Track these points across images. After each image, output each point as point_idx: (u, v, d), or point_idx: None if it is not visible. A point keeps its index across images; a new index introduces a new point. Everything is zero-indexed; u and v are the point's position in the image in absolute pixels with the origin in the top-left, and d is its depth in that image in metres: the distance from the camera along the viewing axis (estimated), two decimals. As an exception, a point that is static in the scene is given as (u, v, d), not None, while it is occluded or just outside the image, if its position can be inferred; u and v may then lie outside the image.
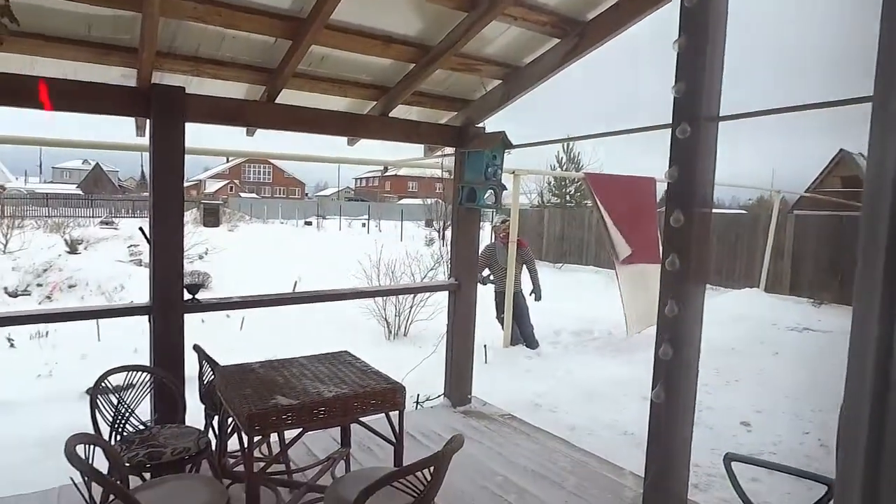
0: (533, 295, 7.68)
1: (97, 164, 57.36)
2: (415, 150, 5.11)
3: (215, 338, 7.20)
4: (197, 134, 3.62)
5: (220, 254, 15.46)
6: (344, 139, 4.34)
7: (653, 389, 2.72)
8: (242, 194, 52.49)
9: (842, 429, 0.68)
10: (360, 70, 3.75)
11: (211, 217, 25.44)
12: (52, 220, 20.37)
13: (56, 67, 3.06)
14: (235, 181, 58.85)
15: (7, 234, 14.82)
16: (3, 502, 3.16)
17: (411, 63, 3.70)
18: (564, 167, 24.31)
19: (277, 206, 39.07)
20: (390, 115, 4.13)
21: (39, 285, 12.00)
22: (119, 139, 5.29)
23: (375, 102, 4.08)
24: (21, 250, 14.02)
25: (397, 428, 2.76)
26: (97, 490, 2.01)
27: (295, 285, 11.82)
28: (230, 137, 4.37)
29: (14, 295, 11.42)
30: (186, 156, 3.43)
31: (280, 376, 2.86)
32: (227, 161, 55.13)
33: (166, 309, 3.39)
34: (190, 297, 3.56)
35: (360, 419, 2.82)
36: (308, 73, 3.59)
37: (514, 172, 7.78)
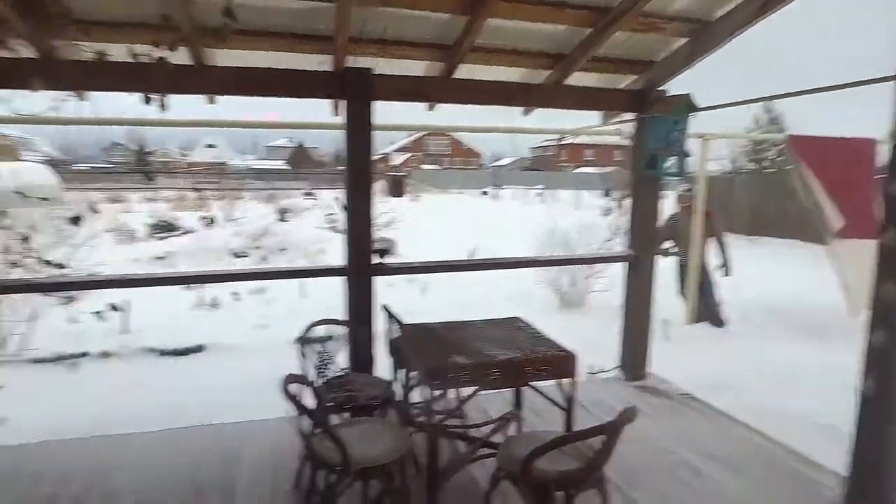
0: (722, 269, 7.10)
1: (301, 142, 64.23)
2: (592, 118, 4.97)
3: (399, 300, 7.81)
4: (385, 111, 3.92)
5: (404, 222, 16.57)
6: (519, 110, 4.38)
7: (863, 381, 2.41)
8: (424, 166, 55.24)
9: None
10: (535, 39, 3.74)
11: (396, 188, 27.30)
12: (266, 192, 23.34)
13: (265, 58, 3.52)
14: (418, 153, 62.15)
15: (231, 204, 17.36)
16: (233, 426, 3.82)
17: (588, 27, 3.59)
18: (763, 129, 21.75)
19: (456, 176, 40.51)
20: (566, 82, 4.06)
21: (257, 248, 13.93)
22: (318, 119, 5.91)
23: (550, 71, 4.04)
24: (242, 218, 16.37)
25: (569, 395, 2.80)
26: (307, 424, 2.36)
27: (473, 253, 12.27)
28: (413, 113, 4.63)
29: (238, 256, 13.42)
30: (375, 132, 3.74)
31: (457, 337, 3.05)
32: (410, 135, 58.30)
33: (359, 271, 3.77)
34: (379, 260, 3.91)
35: (532, 384, 2.91)
36: (484, 45, 3.67)
37: (703, 137, 7.18)
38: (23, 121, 3.33)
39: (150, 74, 3.18)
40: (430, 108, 4.16)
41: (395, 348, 3.44)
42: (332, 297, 5.58)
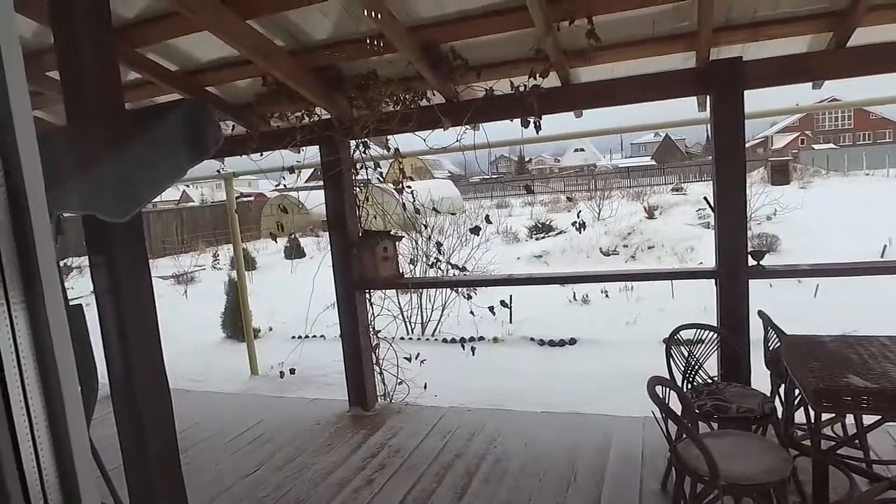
0: None
1: (667, 135, 62.10)
2: None
3: (783, 303, 6.92)
4: (758, 95, 3.58)
5: (790, 213, 14.47)
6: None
7: None
8: (816, 146, 46.78)
9: None
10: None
11: (779, 175, 23.91)
12: (633, 190, 23.41)
13: (626, 67, 3.61)
14: (807, 132, 52.95)
15: (599, 204, 17.98)
16: (604, 418, 4.04)
17: None
18: None
19: (860, 154, 33.13)
20: None
21: (625, 246, 14.13)
22: (682, 114, 5.72)
23: None
24: (610, 217, 16.80)
25: None
26: (672, 427, 2.38)
27: (884, 250, 9.98)
28: (792, 92, 4.07)
29: (607, 254, 13.85)
30: (750, 118, 3.46)
31: (855, 354, 2.60)
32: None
33: (731, 274, 3.54)
34: (755, 262, 3.60)
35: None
36: (887, 2, 3.00)
37: None
38: (435, 151, 4.22)
39: (526, 101, 3.64)
40: (816, 86, 3.62)
41: (775, 360, 3.13)
42: (703, 297, 5.34)
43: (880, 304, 6.65)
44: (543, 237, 15.92)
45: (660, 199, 19.61)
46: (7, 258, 0.39)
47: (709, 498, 2.29)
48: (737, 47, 3.43)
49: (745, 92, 3.43)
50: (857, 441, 2.71)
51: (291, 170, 4.46)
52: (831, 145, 47.05)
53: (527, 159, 66.32)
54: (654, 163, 45.51)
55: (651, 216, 16.58)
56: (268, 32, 3.41)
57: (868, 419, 2.45)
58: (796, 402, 2.97)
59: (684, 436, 2.45)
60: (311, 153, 4.53)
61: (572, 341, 6.66)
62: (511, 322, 7.51)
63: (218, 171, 5.80)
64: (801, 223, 13.45)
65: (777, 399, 3.08)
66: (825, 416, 2.81)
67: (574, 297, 8.99)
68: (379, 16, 2.97)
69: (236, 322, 7.93)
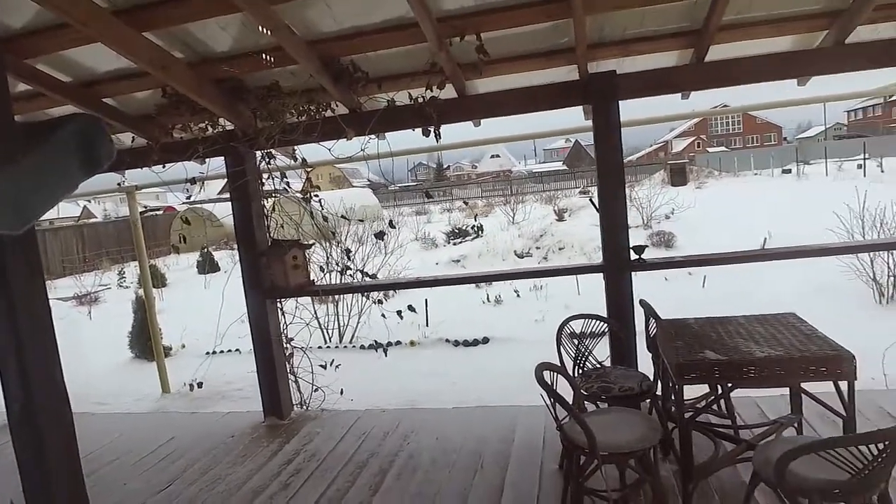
0: None
1: (577, 140, 64.77)
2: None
3: (676, 295, 7.52)
4: (657, 101, 3.95)
5: (686, 212, 15.58)
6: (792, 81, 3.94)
7: None
8: (710, 149, 50.47)
9: None
10: (802, 0, 3.35)
11: (678, 176, 25.58)
12: (546, 194, 24.34)
13: (520, 79, 3.89)
14: (702, 137, 57.05)
15: (514, 208, 18.61)
16: (511, 409, 4.29)
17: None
18: None
19: (749, 156, 36.08)
20: (847, 41, 3.53)
21: (538, 248, 14.71)
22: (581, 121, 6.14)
23: (826, 32, 3.55)
24: (524, 220, 17.42)
25: (846, 399, 2.50)
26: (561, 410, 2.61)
27: (764, 242, 11.00)
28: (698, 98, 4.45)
29: (521, 256, 14.37)
30: (653, 125, 3.80)
31: (714, 332, 2.96)
32: (693, 119, 53.78)
33: (615, 268, 3.89)
34: (636, 257, 3.96)
35: (804, 387, 2.67)
36: (736, 21, 3.44)
37: None
38: (340, 161, 4.34)
39: (425, 111, 3.83)
40: (684, 97, 4.05)
41: (653, 343, 3.47)
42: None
43: (763, 290, 7.40)
44: (461, 242, 16.28)
45: (569, 202, 20.52)
46: None
47: (591, 467, 2.55)
48: (613, 62, 3.79)
49: (643, 100, 3.79)
50: (709, 408, 3.07)
51: (193, 181, 4.43)
52: (723, 148, 50.88)
53: (445, 166, 67.15)
54: (565, 167, 47.43)
55: (561, 218, 17.35)
56: (165, 44, 3.42)
57: (746, 392, 2.79)
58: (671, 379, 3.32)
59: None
60: (217, 164, 4.52)
61: (485, 340, 6.94)
62: (427, 325, 7.71)
63: (119, 184, 5.62)
64: (696, 221, 14.54)
65: (658, 378, 3.43)
66: (702, 392, 3.18)
67: (488, 298, 9.32)
68: (269, 32, 3.07)
69: (145, 341, 7.66)
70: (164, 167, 4.40)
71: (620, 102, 3.80)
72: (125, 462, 4.19)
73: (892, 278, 6.80)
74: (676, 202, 15.87)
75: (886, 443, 1.90)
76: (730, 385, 2.76)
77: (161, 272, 14.83)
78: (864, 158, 23.46)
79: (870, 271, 6.97)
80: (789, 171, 27.81)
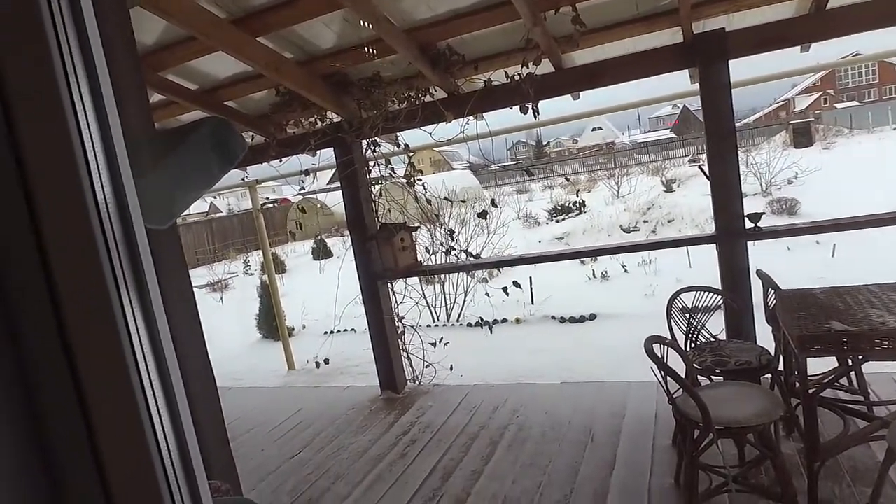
0: None
1: (685, 106, 60.89)
2: None
3: (802, 264, 6.98)
4: (774, 57, 3.70)
5: (811, 176, 14.32)
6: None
7: None
8: (838, 105, 45.51)
9: None
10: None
11: (802, 137, 23.47)
12: (652, 165, 23.24)
13: (620, 47, 3.78)
14: (829, 92, 51.48)
15: (618, 181, 17.98)
16: (621, 384, 4.25)
17: None
18: None
19: (886, 109, 32.20)
20: None
21: (646, 222, 14.16)
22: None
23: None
24: (629, 194, 16.80)
25: None
26: (673, 384, 2.57)
27: (908, 203, 9.86)
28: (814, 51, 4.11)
29: (627, 231, 13.92)
30: (773, 82, 3.57)
31: (841, 303, 2.76)
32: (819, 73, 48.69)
33: (728, 237, 3.71)
34: (752, 225, 3.75)
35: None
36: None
37: None
38: (441, 143, 4.46)
39: (522, 88, 3.84)
40: (804, 49, 3.75)
41: (773, 315, 3.29)
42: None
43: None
44: (563, 219, 16.02)
45: (677, 171, 19.47)
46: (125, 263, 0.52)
47: (705, 442, 2.49)
48: (722, 19, 3.57)
49: (760, 56, 3.57)
50: (835, 382, 2.87)
51: (307, 172, 4.74)
52: (855, 103, 45.62)
53: (545, 143, 65.92)
54: (673, 135, 44.92)
55: (669, 189, 16.54)
56: (277, 47, 3.68)
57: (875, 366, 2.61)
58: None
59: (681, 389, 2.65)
60: (327, 155, 4.81)
61: (592, 317, 6.85)
62: (532, 303, 7.73)
63: (242, 179, 6.12)
64: (823, 184, 13.31)
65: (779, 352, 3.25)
66: (831, 367, 2.99)
67: (593, 274, 9.15)
68: (369, 25, 3.21)
69: (271, 322, 8.32)
70: (280, 161, 4.76)
71: (731, 62, 3.59)
72: (260, 431, 4.63)
73: None
74: (800, 165, 14.60)
75: None
76: (860, 358, 2.57)
77: (281, 259, 15.92)
78: None
79: None
80: (939, 122, 24.50)
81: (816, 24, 3.45)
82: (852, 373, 3.08)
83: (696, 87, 4.28)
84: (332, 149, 4.67)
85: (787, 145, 20.53)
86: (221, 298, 13.50)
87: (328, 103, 4.21)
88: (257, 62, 3.51)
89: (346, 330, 8.04)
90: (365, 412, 4.65)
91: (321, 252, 15.96)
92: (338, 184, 4.93)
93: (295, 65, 3.87)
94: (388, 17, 3.40)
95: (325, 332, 8.03)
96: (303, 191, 5.35)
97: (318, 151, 4.72)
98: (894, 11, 3.31)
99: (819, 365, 2.97)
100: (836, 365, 3.05)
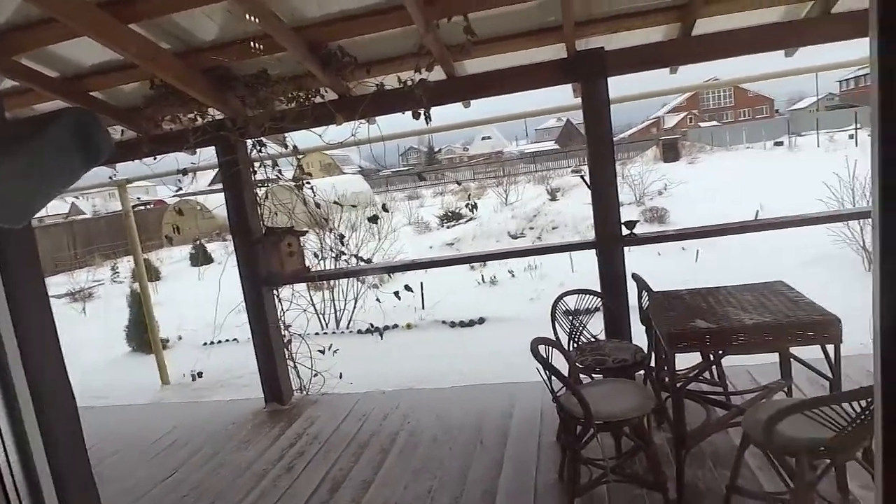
0: None
1: (568, 119, 64.54)
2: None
3: (669, 269, 7.58)
4: (647, 77, 3.98)
5: (679, 188, 15.64)
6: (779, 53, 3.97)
7: None
8: (702, 124, 50.45)
9: None
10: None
11: (670, 152, 25.66)
12: (538, 174, 24.35)
13: (511, 59, 3.90)
14: (694, 111, 56.97)
15: (506, 189, 18.62)
16: (509, 386, 4.37)
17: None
18: None
19: (741, 130, 36.13)
20: (832, 11, 3.56)
21: (531, 228, 14.77)
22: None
23: (813, 2, 3.58)
24: (517, 202, 17.45)
25: (833, 362, 2.57)
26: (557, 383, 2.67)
27: (756, 214, 11.07)
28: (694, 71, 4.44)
29: (515, 237, 14.43)
30: (645, 101, 3.83)
31: (705, 303, 3.02)
32: (685, 94, 53.69)
33: (607, 243, 3.94)
34: (628, 232, 4.02)
35: (796, 355, 2.75)
36: (722, -6, 3.46)
37: None
38: (331, 147, 4.36)
39: (414, 94, 3.84)
40: (672, 71, 4.08)
41: (646, 316, 3.54)
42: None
43: (753, 262, 7.48)
44: (454, 225, 16.31)
45: (562, 181, 20.54)
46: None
47: (587, 437, 2.62)
48: (601, 38, 3.80)
49: (633, 76, 3.82)
50: (699, 376, 3.14)
51: (185, 172, 4.44)
52: (715, 123, 50.79)
53: (436, 149, 66.91)
54: (557, 147, 47.38)
55: (554, 198, 17.39)
56: (152, 35, 3.41)
57: (736, 360, 2.86)
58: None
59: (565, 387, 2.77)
60: (208, 155, 4.52)
61: (481, 321, 7.02)
62: (423, 308, 7.77)
63: (110, 177, 5.61)
64: (689, 196, 14.61)
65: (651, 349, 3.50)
66: (695, 363, 3.25)
67: (483, 279, 9.38)
68: (255, 19, 3.07)
69: (142, 334, 7.69)
70: (154, 159, 4.41)
71: (610, 79, 3.83)
72: (129, 452, 4.25)
73: (880, 246, 6.89)
74: (669, 178, 15.92)
75: (869, 400, 1.96)
76: (720, 352, 2.83)
77: (154, 266, 14.81)
78: (856, 128, 23.50)
79: (860, 239, 7.07)
80: (781, 143, 27.87)
81: (683, 48, 3.78)
82: (713, 366, 3.37)
83: (579, 101, 4.53)
84: (213, 148, 4.40)
85: (657, 159, 22.36)
86: (84, 309, 12.31)
87: (210, 99, 3.97)
88: (128, 51, 3.23)
89: (227, 340, 7.63)
90: (248, 426, 4.41)
91: (201, 258, 15.05)
92: (220, 185, 4.66)
93: (172, 56, 3.61)
94: (275, 13, 3.26)
95: (205, 343, 7.58)
96: (180, 192, 5.00)
97: (198, 150, 4.43)
98: (747, 42, 3.70)
99: (685, 360, 3.24)
100: (700, 360, 3.33)
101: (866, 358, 3.94)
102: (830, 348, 2.59)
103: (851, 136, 23.43)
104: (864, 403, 1.97)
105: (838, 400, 1.97)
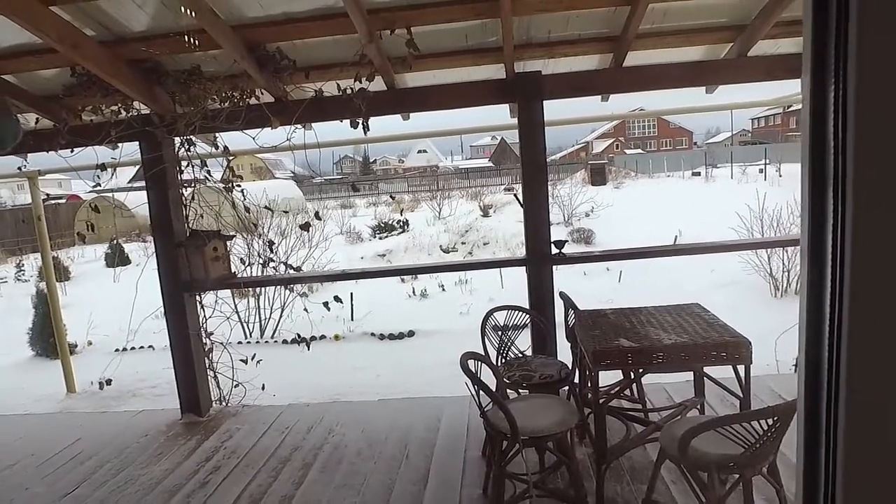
0: None
1: (502, 138, 65.88)
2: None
3: (594, 288, 7.84)
4: (567, 106, 4.11)
5: (605, 210, 16.25)
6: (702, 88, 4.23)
7: None
8: (628, 151, 52.88)
9: None
10: (710, 14, 3.61)
11: (598, 176, 26.65)
12: (471, 190, 24.65)
13: (452, 75, 3.95)
14: (621, 138, 59.62)
15: (440, 203, 18.74)
16: (437, 399, 4.36)
17: (767, -9, 3.37)
18: None
19: (663, 159, 38.09)
20: (749, 54, 3.83)
21: (463, 243, 14.91)
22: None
23: (731, 44, 3.84)
24: (450, 216, 17.59)
25: (743, 382, 2.74)
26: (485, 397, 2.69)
27: (675, 239, 11.66)
28: (622, 101, 4.68)
29: (447, 251, 14.52)
30: (575, 125, 3.95)
31: (628, 322, 3.14)
32: (613, 122, 56.13)
33: (537, 261, 4.03)
34: (557, 251, 4.13)
35: (709, 374, 2.90)
36: (652, 31, 3.65)
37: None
38: (265, 150, 4.24)
39: (353, 103, 3.81)
40: (604, 98, 4.26)
41: (572, 333, 3.64)
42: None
43: (674, 283, 7.85)
44: (387, 236, 16.23)
45: (494, 198, 20.89)
46: None
47: (512, 451, 2.65)
48: (539, 62, 3.92)
49: (566, 101, 3.95)
50: (621, 393, 3.26)
51: (104, 167, 4.19)
52: (640, 151, 53.37)
53: (371, 160, 66.59)
54: (491, 164, 48.27)
55: (486, 214, 17.65)
56: (75, 21, 3.22)
57: (656, 378, 2.97)
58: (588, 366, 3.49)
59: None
60: (131, 150, 4.29)
61: (411, 333, 6.99)
62: (352, 319, 7.66)
63: (20, 168, 5.21)
64: (614, 219, 15.21)
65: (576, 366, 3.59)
66: (616, 380, 3.36)
67: (413, 291, 9.37)
68: (191, 13, 2.96)
69: (47, 338, 7.16)
70: (71, 152, 4.14)
71: (545, 102, 3.94)
72: (26, 466, 3.92)
73: (786, 273, 7.42)
74: (596, 201, 16.52)
75: (775, 418, 2.10)
76: (641, 371, 2.94)
77: (64, 265, 13.86)
78: (766, 163, 25.30)
79: (767, 267, 7.58)
80: (699, 173, 29.52)
81: (615, 77, 3.95)
82: (633, 384, 3.50)
83: (515, 121, 4.63)
84: (137, 143, 4.18)
85: (585, 182, 23.14)
86: (-18, 308, 11.32)
87: (136, 92, 3.78)
88: (48, 35, 3.03)
89: (142, 347, 7.23)
90: (160, 439, 4.18)
91: (117, 258, 14.22)
92: (142, 182, 4.42)
93: (97, 45, 3.41)
94: (213, 8, 3.16)
95: (117, 350, 7.16)
96: (98, 187, 4.71)
97: (120, 145, 4.19)
98: (674, 76, 3.92)
99: (607, 378, 3.35)
100: (622, 377, 3.45)
101: (771, 378, 4.23)
102: (741, 368, 2.75)
103: (761, 171, 25.17)
104: (770, 422, 2.10)
105: (748, 418, 2.09)
